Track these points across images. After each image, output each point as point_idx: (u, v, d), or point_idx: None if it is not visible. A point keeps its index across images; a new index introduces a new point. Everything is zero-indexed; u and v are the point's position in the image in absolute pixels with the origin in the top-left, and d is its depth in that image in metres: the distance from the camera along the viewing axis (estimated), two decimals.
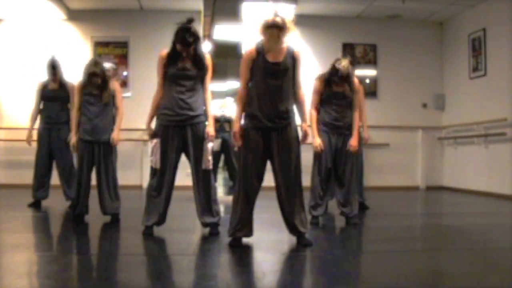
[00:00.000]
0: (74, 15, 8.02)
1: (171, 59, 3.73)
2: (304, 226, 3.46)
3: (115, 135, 4.45)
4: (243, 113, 3.43)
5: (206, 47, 7.73)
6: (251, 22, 7.44)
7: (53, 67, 5.33)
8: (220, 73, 10.05)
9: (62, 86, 5.35)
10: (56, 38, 7.99)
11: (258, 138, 3.37)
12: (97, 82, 4.35)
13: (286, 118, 3.38)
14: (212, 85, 4.07)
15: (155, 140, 3.73)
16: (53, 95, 5.34)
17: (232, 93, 11.57)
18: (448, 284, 2.67)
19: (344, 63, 4.27)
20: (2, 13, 7.80)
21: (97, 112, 4.37)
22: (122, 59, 8.13)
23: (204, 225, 3.84)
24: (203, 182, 3.79)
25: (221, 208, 4.76)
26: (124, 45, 8.14)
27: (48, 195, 5.45)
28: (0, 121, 7.91)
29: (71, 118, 4.59)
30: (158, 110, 3.80)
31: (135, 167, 7.84)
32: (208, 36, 8.91)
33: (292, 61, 3.40)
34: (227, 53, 9.87)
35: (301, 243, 3.43)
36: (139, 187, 7.68)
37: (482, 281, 2.69)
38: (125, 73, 8.11)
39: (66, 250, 3.48)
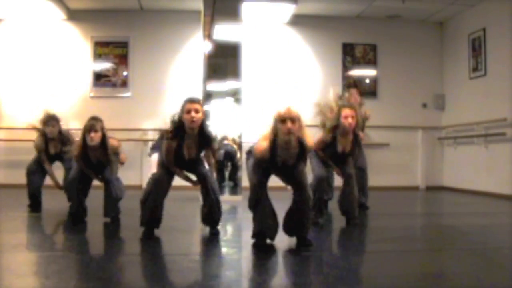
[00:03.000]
0: (74, 15, 8.03)
1: (177, 148, 3.61)
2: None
3: (123, 156, 4.71)
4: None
5: (206, 47, 7.70)
6: (251, 22, 7.45)
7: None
8: (220, 73, 10.04)
9: (62, 146, 5.20)
10: (56, 38, 7.99)
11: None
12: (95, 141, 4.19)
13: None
14: (212, 85, 4.06)
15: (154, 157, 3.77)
16: (56, 158, 5.31)
17: (232, 93, 11.54)
18: (448, 284, 2.67)
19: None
20: (2, 13, 7.81)
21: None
22: (122, 59, 8.13)
23: (205, 224, 3.86)
24: (212, 196, 3.75)
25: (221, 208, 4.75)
26: (124, 45, 8.14)
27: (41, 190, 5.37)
28: (0, 121, 7.91)
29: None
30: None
31: (135, 167, 7.84)
32: (208, 36, 8.90)
33: (301, 153, 3.26)
34: (227, 53, 9.85)
35: (301, 243, 3.43)
36: (139, 187, 7.67)
37: (482, 281, 2.68)
38: (125, 73, 8.12)
39: (66, 250, 3.47)
